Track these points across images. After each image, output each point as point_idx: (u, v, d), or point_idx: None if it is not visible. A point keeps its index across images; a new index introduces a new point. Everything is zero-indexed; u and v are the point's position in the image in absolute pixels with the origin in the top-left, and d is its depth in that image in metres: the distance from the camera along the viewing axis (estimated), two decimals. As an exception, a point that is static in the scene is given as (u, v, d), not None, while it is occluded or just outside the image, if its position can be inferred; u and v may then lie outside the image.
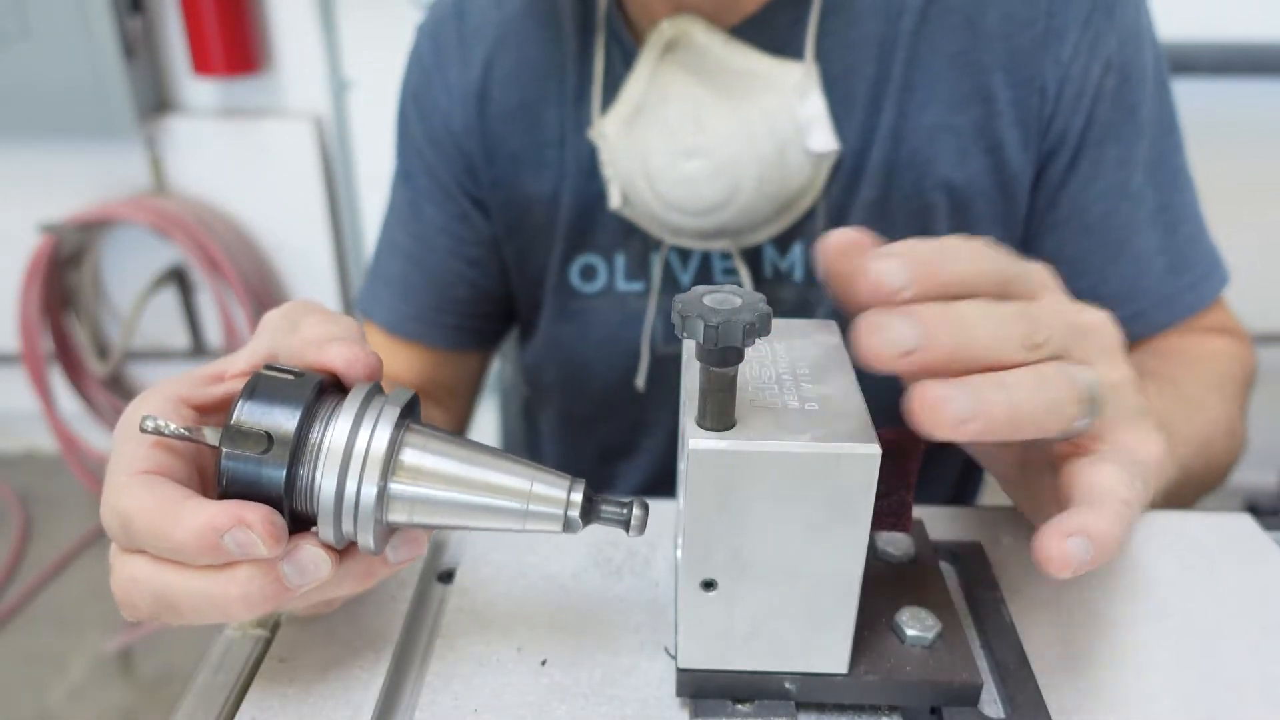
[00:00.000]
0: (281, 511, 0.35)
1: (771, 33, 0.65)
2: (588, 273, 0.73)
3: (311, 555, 0.35)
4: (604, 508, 0.37)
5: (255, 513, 0.34)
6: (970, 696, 0.38)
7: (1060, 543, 0.34)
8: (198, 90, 2.02)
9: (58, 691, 1.73)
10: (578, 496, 0.36)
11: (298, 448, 0.35)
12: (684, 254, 0.71)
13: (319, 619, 0.44)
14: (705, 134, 0.64)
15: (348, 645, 0.42)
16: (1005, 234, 0.69)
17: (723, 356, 0.33)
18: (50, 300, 2.09)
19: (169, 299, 2.17)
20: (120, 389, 2.28)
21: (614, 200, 0.69)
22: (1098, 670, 0.41)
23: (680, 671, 0.38)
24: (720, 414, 0.34)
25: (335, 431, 0.35)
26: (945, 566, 0.47)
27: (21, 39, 1.86)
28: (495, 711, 0.39)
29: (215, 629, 0.46)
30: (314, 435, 0.35)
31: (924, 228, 0.68)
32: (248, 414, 0.35)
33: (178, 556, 0.35)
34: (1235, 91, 1.72)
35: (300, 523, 0.36)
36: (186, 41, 1.88)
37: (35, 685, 1.74)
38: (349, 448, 0.35)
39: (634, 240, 0.71)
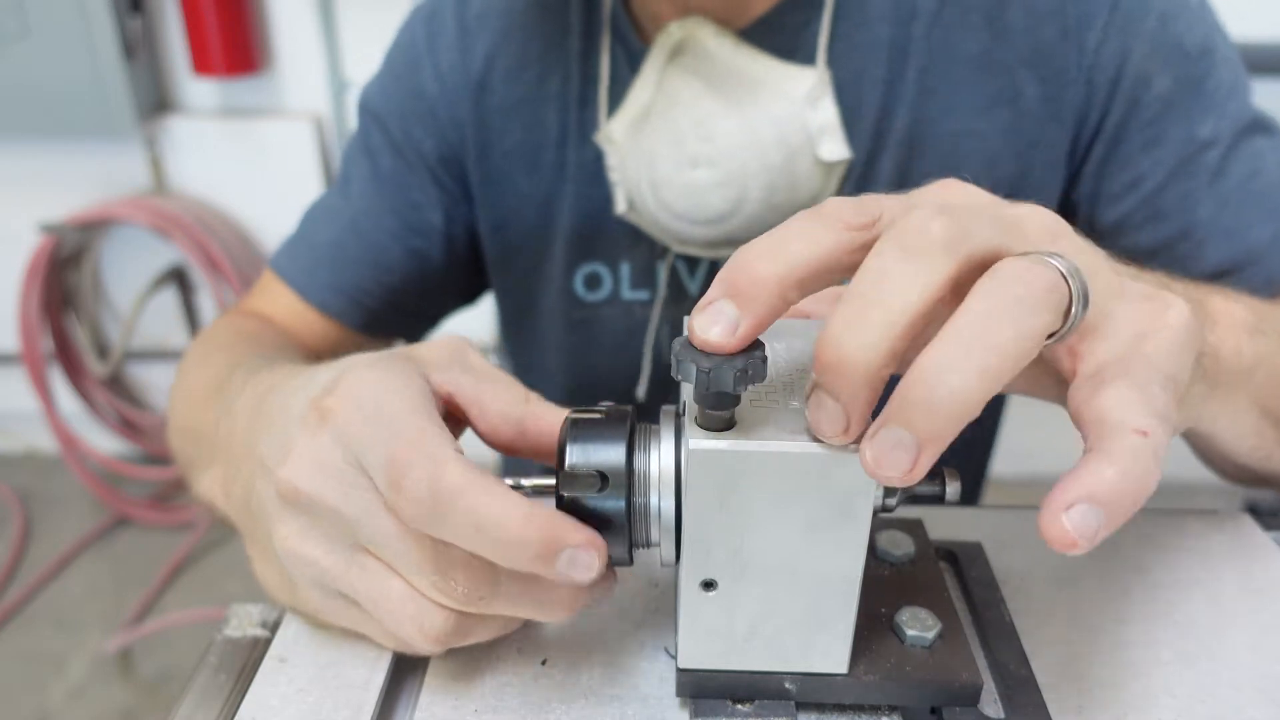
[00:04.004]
0: (624, 543, 0.36)
1: (780, 36, 0.63)
2: (592, 281, 0.72)
3: (608, 587, 0.37)
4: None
5: (602, 541, 0.34)
6: (970, 696, 0.38)
7: (1058, 521, 0.28)
8: (198, 90, 2.02)
9: (57, 691, 1.73)
10: None
11: (630, 478, 0.36)
12: (692, 262, 0.70)
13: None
14: (713, 143, 0.62)
15: (348, 645, 0.42)
16: None
17: (716, 401, 0.33)
18: (50, 300, 2.09)
19: (169, 299, 2.17)
20: (120, 389, 2.28)
21: (620, 205, 0.67)
22: (1098, 670, 0.41)
23: (680, 671, 0.38)
24: (720, 415, 0.34)
25: (662, 455, 0.36)
26: (945, 566, 0.47)
27: (21, 39, 1.86)
28: (495, 711, 0.39)
29: (213, 628, 0.46)
30: (639, 463, 0.36)
31: None
32: (579, 456, 0.36)
33: (483, 548, 0.33)
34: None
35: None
36: (186, 41, 1.88)
37: (35, 685, 1.74)
38: (678, 468, 0.36)
39: (640, 247, 0.70)
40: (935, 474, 0.36)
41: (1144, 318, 0.33)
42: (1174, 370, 0.32)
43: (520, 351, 0.81)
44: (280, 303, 0.75)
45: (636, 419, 0.38)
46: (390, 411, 0.35)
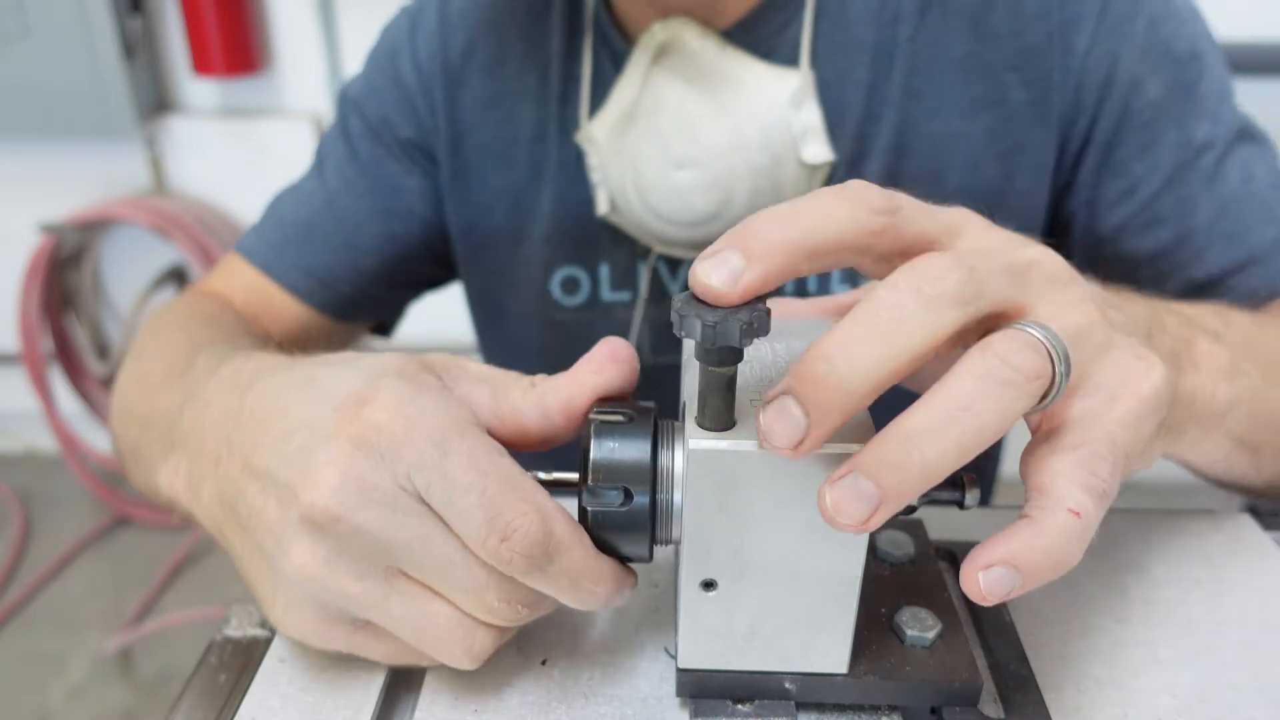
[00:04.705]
0: (647, 540, 0.36)
1: (760, 37, 0.64)
2: (569, 286, 0.72)
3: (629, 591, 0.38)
4: None
5: (636, 580, 0.37)
6: (970, 696, 0.38)
7: (975, 577, 0.31)
8: (198, 90, 2.02)
9: (57, 691, 1.73)
10: None
11: (654, 477, 0.36)
12: (674, 263, 0.70)
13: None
14: (698, 145, 0.62)
15: (348, 645, 0.42)
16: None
17: (721, 356, 0.33)
18: (50, 300, 2.09)
19: (169, 299, 2.16)
20: (120, 389, 2.28)
21: (601, 206, 0.67)
22: (1098, 670, 0.41)
23: (680, 671, 0.38)
24: (720, 414, 0.34)
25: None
26: (945, 566, 0.47)
27: (21, 39, 1.86)
28: (495, 711, 0.39)
29: (213, 628, 0.46)
30: (662, 460, 0.36)
31: None
32: (604, 457, 0.35)
33: (564, 594, 0.35)
34: (1236, 92, 1.72)
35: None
36: (186, 41, 1.88)
37: (35, 685, 1.74)
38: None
39: (621, 248, 0.70)
40: (955, 481, 0.36)
41: (1119, 380, 0.33)
42: (1130, 440, 0.33)
43: (496, 353, 0.80)
44: (242, 283, 0.73)
45: (659, 416, 0.37)
46: (465, 451, 0.34)
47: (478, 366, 0.40)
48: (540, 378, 0.39)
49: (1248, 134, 0.65)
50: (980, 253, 0.32)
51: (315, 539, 0.34)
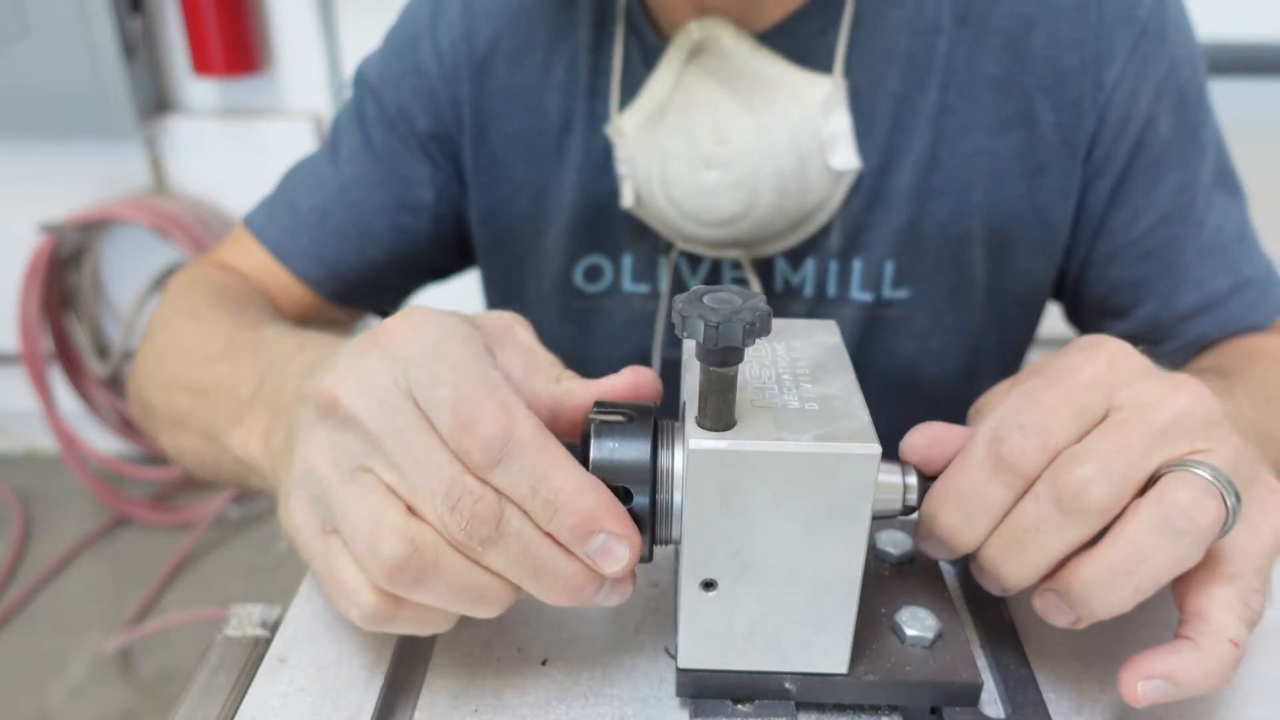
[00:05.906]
0: (647, 540, 0.36)
1: (797, 41, 0.64)
2: (593, 273, 0.72)
3: (625, 590, 0.37)
4: None
5: (639, 541, 0.35)
6: (970, 696, 0.38)
7: (1135, 684, 0.35)
8: (198, 90, 2.02)
9: (57, 691, 1.73)
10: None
11: (654, 477, 0.36)
12: (694, 260, 0.70)
13: (319, 619, 0.44)
14: (727, 145, 0.62)
15: (348, 645, 0.42)
16: (1043, 260, 0.68)
17: (723, 356, 0.33)
18: (50, 300, 2.09)
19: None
20: (120, 389, 2.28)
21: (627, 199, 0.67)
22: (1098, 670, 0.41)
23: (680, 671, 0.38)
24: (720, 414, 0.34)
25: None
26: (945, 566, 0.47)
27: (21, 39, 1.86)
28: (495, 711, 0.39)
29: (213, 628, 0.46)
30: (662, 461, 0.36)
31: (958, 253, 0.67)
32: (604, 457, 0.36)
33: (532, 507, 0.34)
34: (1235, 92, 1.72)
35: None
36: (186, 41, 1.88)
37: (35, 685, 1.74)
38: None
39: (644, 241, 0.70)
40: None
41: (1259, 511, 0.36)
42: (1270, 571, 0.36)
43: None
44: (254, 262, 0.74)
45: (659, 416, 0.37)
46: (455, 355, 0.35)
47: (525, 335, 0.42)
48: (568, 374, 0.41)
49: (1225, 181, 0.68)
50: (1127, 433, 0.34)
51: (320, 425, 0.37)
